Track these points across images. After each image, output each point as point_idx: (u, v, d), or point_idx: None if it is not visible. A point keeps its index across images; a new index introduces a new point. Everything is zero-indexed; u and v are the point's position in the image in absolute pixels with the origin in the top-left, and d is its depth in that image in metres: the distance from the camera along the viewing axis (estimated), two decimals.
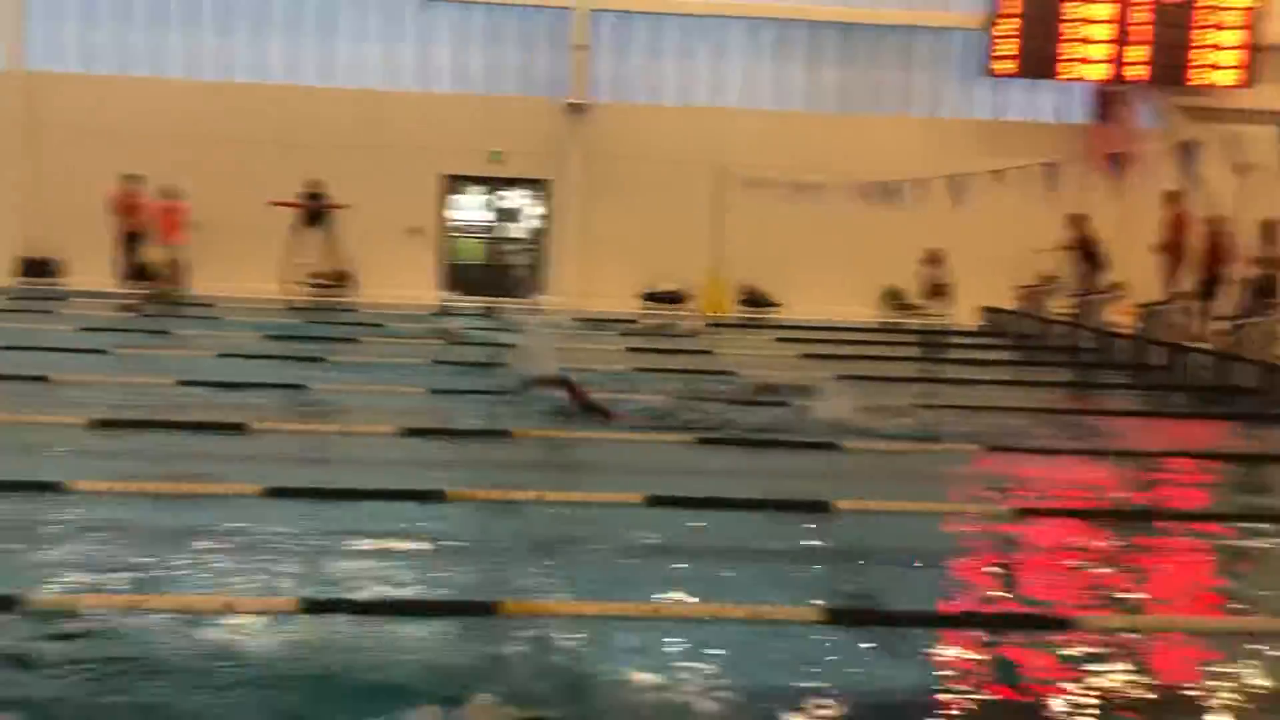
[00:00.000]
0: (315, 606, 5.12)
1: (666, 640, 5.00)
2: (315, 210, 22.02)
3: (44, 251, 22.94)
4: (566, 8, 23.76)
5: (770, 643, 5.10)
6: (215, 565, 5.80)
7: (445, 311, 20.65)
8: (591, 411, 10.03)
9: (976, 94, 24.70)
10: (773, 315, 22.12)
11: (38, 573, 5.54)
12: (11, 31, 23.04)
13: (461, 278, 23.97)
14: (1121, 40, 23.23)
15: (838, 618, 5.25)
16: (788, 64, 24.58)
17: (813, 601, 5.47)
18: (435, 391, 11.08)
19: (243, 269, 21.43)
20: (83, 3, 23.52)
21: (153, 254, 21.92)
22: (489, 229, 24.64)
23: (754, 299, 23.23)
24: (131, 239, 21.92)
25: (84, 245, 22.43)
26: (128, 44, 23.66)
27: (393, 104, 23.56)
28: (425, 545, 6.35)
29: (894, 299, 23.49)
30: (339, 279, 22.36)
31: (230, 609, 5.09)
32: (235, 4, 23.69)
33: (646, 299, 23.17)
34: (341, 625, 4.99)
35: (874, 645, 5.06)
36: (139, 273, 21.83)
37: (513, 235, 24.72)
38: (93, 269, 22.02)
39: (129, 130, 22.59)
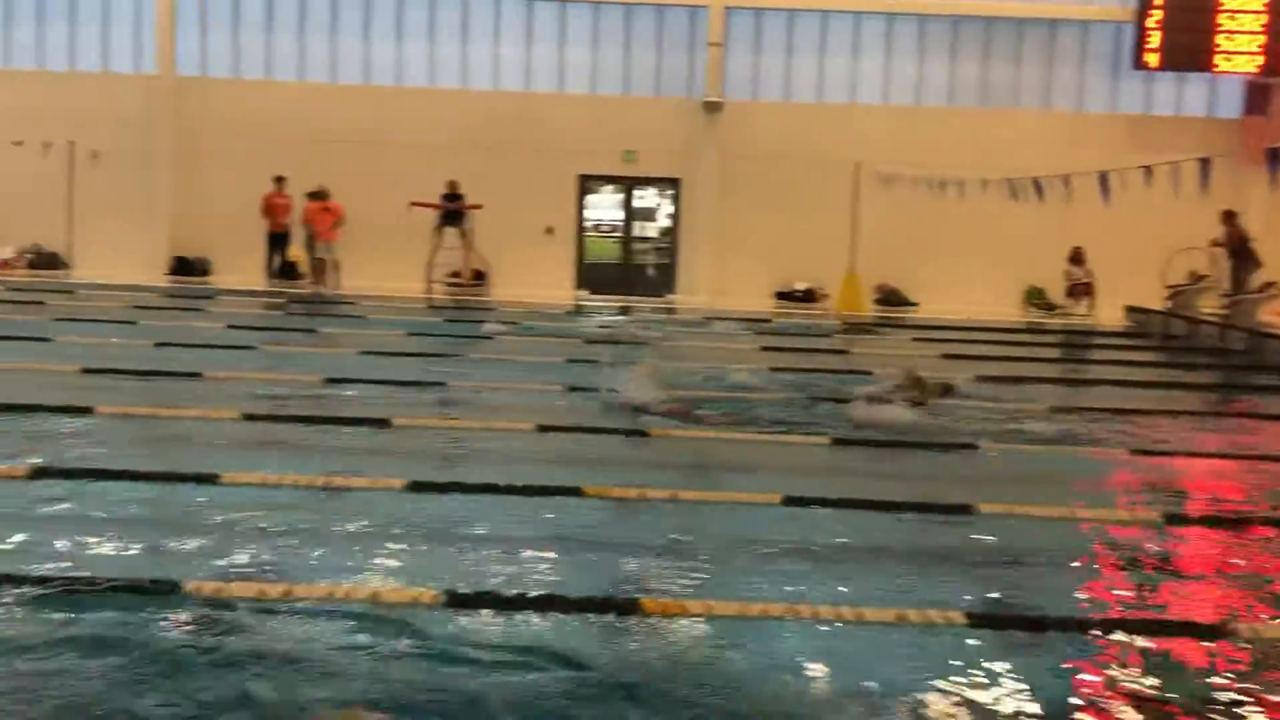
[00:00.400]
0: (458, 600, 5.20)
1: (805, 642, 4.97)
2: (453, 211, 22.41)
3: (194, 251, 23.79)
4: (701, 6, 23.78)
5: (913, 646, 5.03)
6: (361, 558, 5.94)
7: (580, 310, 20.84)
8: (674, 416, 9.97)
9: (1123, 88, 24.05)
10: (909, 314, 21.83)
11: (195, 561, 5.74)
12: (163, 39, 23.90)
13: (595, 276, 24.16)
14: (1276, 30, 22.37)
15: (984, 622, 5.16)
16: (927, 58, 24.22)
17: (957, 605, 5.38)
18: (573, 389, 11.19)
19: (384, 268, 21.95)
20: (230, 10, 24.29)
21: (297, 253, 22.63)
22: (623, 228, 24.79)
23: (890, 298, 22.97)
24: (278, 239, 22.64)
25: (232, 245, 23.31)
26: (273, 49, 24.36)
27: (529, 106, 23.86)
28: (563, 541, 6.41)
29: (1036, 298, 23.00)
30: (476, 278, 22.73)
31: (376, 600, 5.21)
32: (376, 9, 24.23)
33: (780, 298, 23.07)
34: (483, 619, 5.06)
35: (1020, 650, 4.96)
36: (285, 271, 22.54)
37: (646, 234, 24.84)
38: (240, 268, 22.83)
39: (274, 133, 23.32)
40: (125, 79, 24.24)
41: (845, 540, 6.64)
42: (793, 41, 24.30)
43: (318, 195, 21.93)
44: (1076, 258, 22.00)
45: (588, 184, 24.48)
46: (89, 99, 23.72)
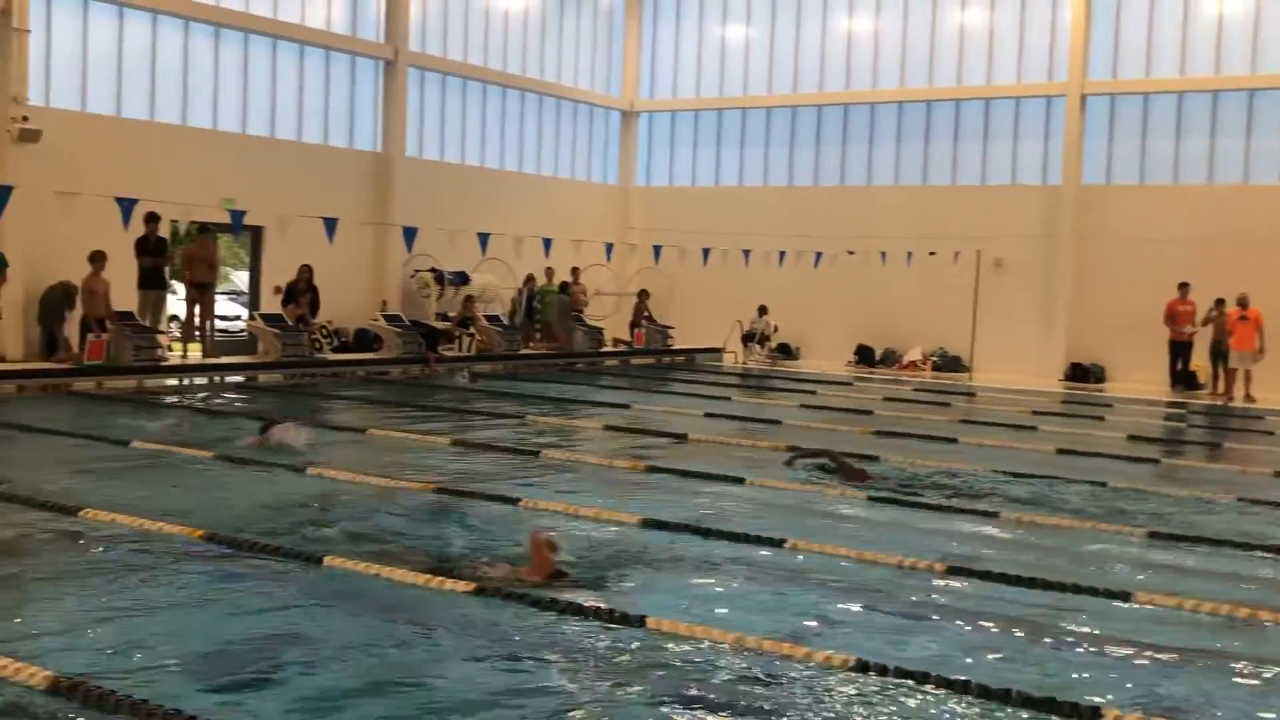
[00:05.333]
0: None
1: None
2: None
3: (1089, 357, 23.76)
4: None
5: None
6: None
7: None
8: (851, 475, 10.63)
9: None
10: None
11: (1101, 682, 5.55)
12: (1070, 150, 24.36)
13: None
14: None
15: None
16: None
17: None
18: None
19: None
20: (1139, 117, 24.15)
21: (1199, 363, 21.64)
22: None
23: None
24: (1180, 347, 21.82)
25: (1127, 351, 23.00)
26: (1181, 153, 23.73)
27: None
28: None
29: None
30: None
31: None
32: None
33: None
34: None
35: None
36: (1185, 380, 21.63)
37: None
38: (1135, 375, 22.41)
39: (1179, 238, 22.66)
40: (1030, 190, 25.09)
41: None
42: None
43: (1237, 303, 20.70)
44: None
45: None
46: (995, 211, 24.92)
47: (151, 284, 17.83)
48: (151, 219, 17.60)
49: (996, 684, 5.21)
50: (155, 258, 17.84)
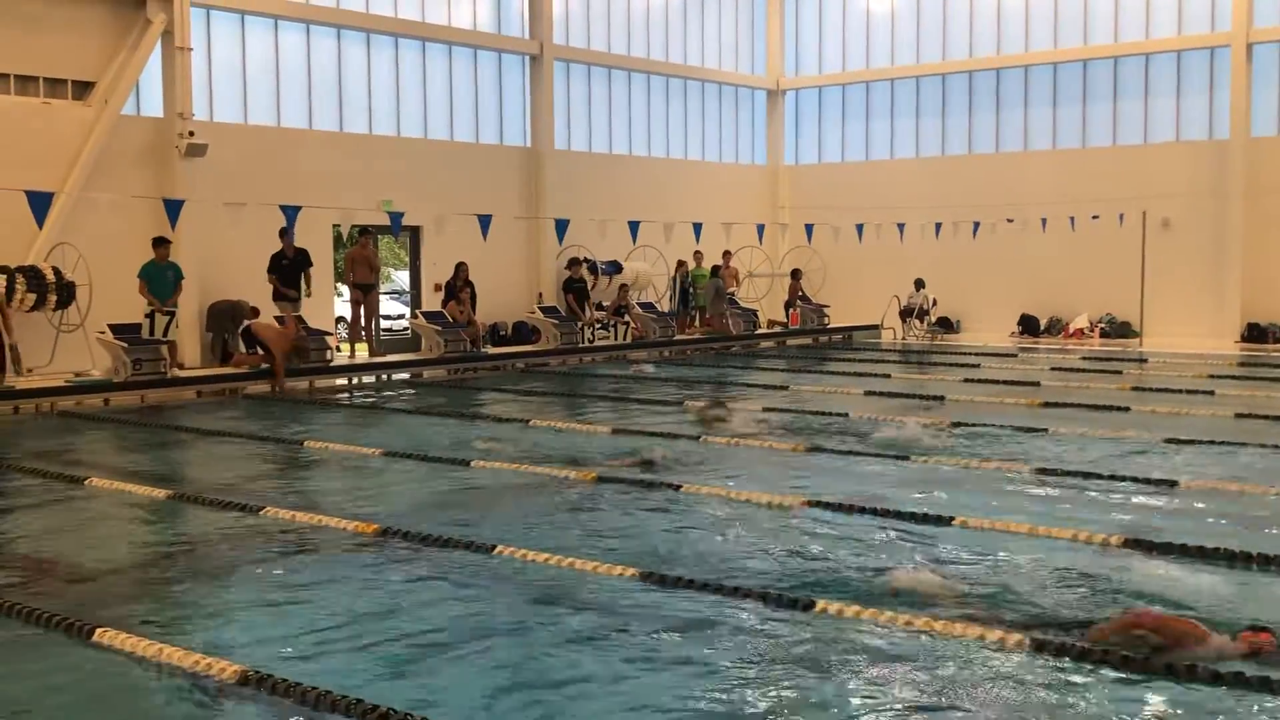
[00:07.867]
0: None
1: None
2: None
3: (1267, 317, 22.76)
4: None
5: None
6: None
7: None
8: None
9: None
10: None
11: None
12: (1238, 102, 23.31)
13: None
14: None
15: None
16: None
17: None
18: None
19: None
20: None
21: None
22: None
23: None
24: None
25: None
26: None
27: None
28: None
29: None
30: None
31: None
32: None
33: None
34: None
35: None
36: None
37: None
38: None
39: None
40: (1196, 146, 24.09)
41: None
42: None
43: None
44: None
45: None
46: (1160, 170, 24.01)
47: (283, 297, 17.67)
48: (283, 233, 17.53)
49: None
50: (290, 272, 17.72)
